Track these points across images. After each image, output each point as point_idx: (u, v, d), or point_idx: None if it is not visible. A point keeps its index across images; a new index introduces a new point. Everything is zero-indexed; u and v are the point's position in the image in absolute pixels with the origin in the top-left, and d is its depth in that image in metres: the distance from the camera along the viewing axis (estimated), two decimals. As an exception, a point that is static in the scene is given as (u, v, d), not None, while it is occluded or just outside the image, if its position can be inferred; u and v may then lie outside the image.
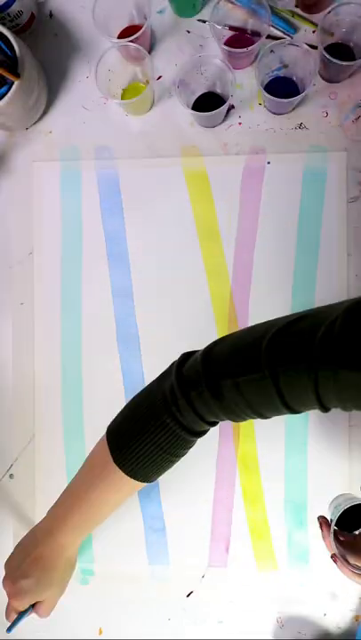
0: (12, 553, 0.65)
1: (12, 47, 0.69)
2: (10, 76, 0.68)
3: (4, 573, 0.64)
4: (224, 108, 0.70)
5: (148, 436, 0.56)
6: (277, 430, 0.75)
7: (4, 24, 0.73)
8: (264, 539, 0.75)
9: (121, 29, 0.76)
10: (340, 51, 0.73)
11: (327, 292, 0.74)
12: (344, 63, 0.68)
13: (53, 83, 0.79)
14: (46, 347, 0.79)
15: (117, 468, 0.58)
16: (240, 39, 0.74)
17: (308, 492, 0.74)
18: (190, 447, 0.60)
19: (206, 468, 0.76)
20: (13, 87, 0.69)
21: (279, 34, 0.75)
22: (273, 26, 0.76)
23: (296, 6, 0.75)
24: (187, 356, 0.58)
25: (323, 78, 0.75)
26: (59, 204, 0.79)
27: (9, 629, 0.64)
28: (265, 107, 0.76)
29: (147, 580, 0.76)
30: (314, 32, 0.75)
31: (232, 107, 0.76)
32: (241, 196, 0.76)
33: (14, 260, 0.80)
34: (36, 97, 0.75)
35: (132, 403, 0.60)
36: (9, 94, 0.69)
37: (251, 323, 0.75)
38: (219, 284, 0.76)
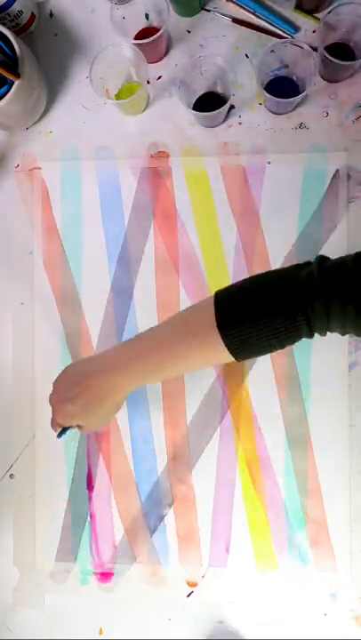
0: (63, 373, 0.63)
1: (12, 47, 0.69)
2: (10, 76, 0.68)
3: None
4: (225, 108, 0.70)
5: (268, 323, 0.52)
6: (277, 430, 0.75)
7: (4, 24, 0.73)
8: (264, 539, 0.75)
9: (137, 31, 0.77)
10: (340, 51, 0.73)
11: (327, 292, 0.74)
12: (344, 63, 0.68)
13: (53, 83, 0.79)
14: (46, 347, 0.79)
15: (218, 336, 0.54)
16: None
17: (308, 492, 0.74)
18: (297, 342, 0.55)
19: (206, 467, 0.76)
20: (13, 87, 0.69)
21: (280, 33, 0.75)
22: (273, 25, 0.76)
23: (297, 6, 0.75)
24: (323, 256, 0.54)
25: (323, 78, 0.75)
26: (59, 204, 0.79)
27: (59, 436, 0.65)
28: (265, 107, 0.76)
29: (147, 580, 0.76)
30: (314, 32, 0.75)
31: (232, 107, 0.76)
32: (241, 195, 0.76)
33: (14, 259, 0.80)
34: (36, 97, 0.75)
35: (255, 283, 0.55)
36: (9, 94, 0.69)
37: (251, 323, 0.75)
38: (219, 283, 0.76)
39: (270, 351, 0.55)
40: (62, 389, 0.62)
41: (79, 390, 0.60)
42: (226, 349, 0.54)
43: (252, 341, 0.53)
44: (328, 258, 0.53)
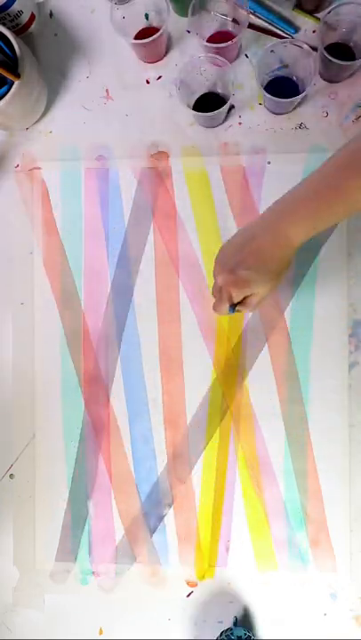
0: (222, 249, 0.60)
1: (12, 47, 0.69)
2: (10, 76, 0.68)
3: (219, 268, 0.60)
4: (225, 108, 0.70)
5: None
6: (277, 430, 0.75)
7: (4, 24, 0.73)
8: (264, 539, 0.75)
9: (137, 31, 0.77)
10: (340, 51, 0.73)
11: (327, 291, 0.74)
12: (344, 63, 0.68)
13: (53, 83, 0.79)
14: (46, 347, 0.79)
15: None
16: (225, 36, 0.74)
17: (308, 492, 0.74)
18: None
19: (206, 467, 0.76)
20: (13, 87, 0.69)
21: (280, 33, 0.75)
22: (273, 25, 0.76)
23: (297, 6, 0.75)
24: None
25: (323, 78, 0.75)
26: (59, 204, 0.79)
27: (232, 311, 0.61)
28: (265, 107, 0.76)
29: (147, 580, 0.76)
30: (314, 32, 0.75)
31: (232, 107, 0.76)
32: (241, 195, 0.76)
33: (14, 259, 0.80)
34: (36, 97, 0.75)
35: None
36: (9, 94, 0.69)
37: (251, 320, 0.76)
38: (219, 283, 0.76)
39: None
40: (230, 257, 0.58)
41: (248, 252, 0.56)
42: None
43: None
44: None
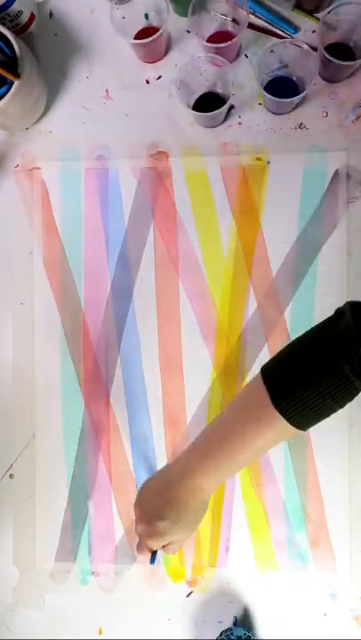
0: (141, 494, 0.63)
1: (12, 47, 0.69)
2: (10, 76, 0.68)
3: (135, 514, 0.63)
4: (224, 108, 0.70)
5: (318, 383, 0.52)
6: (277, 430, 0.75)
7: (4, 24, 0.73)
8: (264, 539, 0.75)
9: (137, 31, 0.77)
10: (340, 51, 0.73)
11: (327, 291, 0.74)
12: (344, 63, 0.68)
13: (53, 83, 0.79)
14: (46, 347, 0.79)
15: (276, 413, 0.54)
16: (224, 36, 0.75)
17: (307, 492, 0.74)
18: (355, 397, 0.55)
19: (206, 468, 0.76)
20: (13, 87, 0.69)
21: (280, 33, 0.75)
22: (273, 25, 0.76)
23: (296, 6, 0.75)
24: (355, 303, 0.54)
25: (323, 78, 0.75)
26: (59, 204, 0.79)
27: (152, 562, 0.64)
28: (265, 107, 0.76)
29: (147, 580, 0.76)
30: (314, 32, 0.75)
31: (232, 107, 0.76)
32: (241, 195, 0.76)
33: (14, 260, 0.80)
34: (36, 97, 0.75)
35: (296, 348, 0.56)
36: (9, 94, 0.69)
37: (251, 320, 0.76)
38: (219, 283, 0.76)
39: (331, 412, 0.55)
40: (146, 510, 0.61)
41: (164, 503, 0.59)
42: (288, 424, 0.54)
43: (308, 407, 0.53)
44: (358, 303, 0.54)
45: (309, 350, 0.54)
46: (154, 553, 0.64)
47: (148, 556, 0.64)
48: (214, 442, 0.59)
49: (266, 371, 0.56)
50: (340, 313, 0.55)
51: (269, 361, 0.57)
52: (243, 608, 0.75)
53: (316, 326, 0.56)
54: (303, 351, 0.55)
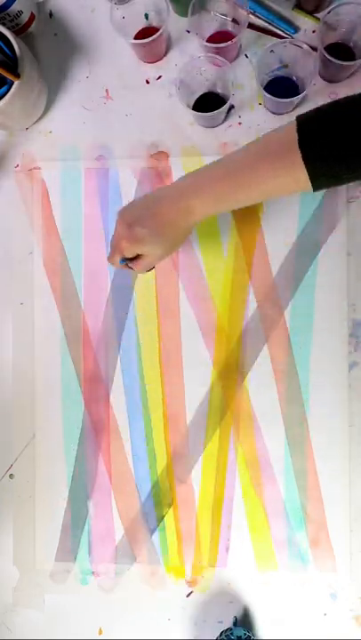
0: (130, 203, 0.61)
1: (12, 47, 0.69)
2: (10, 76, 0.68)
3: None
4: (224, 108, 0.70)
5: (353, 142, 0.51)
6: (277, 430, 0.75)
7: (4, 24, 0.73)
8: (264, 539, 0.75)
9: (137, 31, 0.77)
10: (340, 51, 0.73)
11: (327, 291, 0.74)
12: (344, 63, 0.68)
13: (53, 83, 0.79)
14: (46, 347, 0.79)
15: (299, 158, 0.52)
16: (224, 36, 0.75)
17: (307, 492, 0.74)
18: None
19: (206, 467, 0.76)
20: (13, 87, 0.69)
21: (280, 33, 0.75)
22: (273, 25, 0.76)
23: (296, 6, 0.75)
24: None
25: (323, 78, 0.75)
26: (59, 204, 0.79)
27: (122, 262, 0.63)
28: (265, 107, 0.76)
29: (147, 580, 0.76)
30: (314, 32, 0.75)
31: (232, 107, 0.76)
32: (241, 195, 0.76)
33: (14, 259, 0.80)
34: (36, 97, 0.75)
35: (342, 103, 0.53)
36: (9, 94, 0.69)
37: (251, 320, 0.76)
38: (219, 283, 0.76)
39: (350, 181, 0.53)
40: (131, 213, 0.59)
41: (149, 214, 0.58)
42: (305, 173, 0.52)
43: (335, 170, 0.52)
44: None
45: (353, 111, 0.52)
46: (125, 259, 0.63)
47: (118, 259, 0.63)
48: (224, 167, 0.57)
49: (301, 117, 0.54)
50: None
51: (308, 111, 0.55)
52: (243, 608, 0.75)
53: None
54: (347, 110, 0.52)
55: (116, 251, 0.62)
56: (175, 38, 0.78)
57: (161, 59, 0.78)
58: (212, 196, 0.57)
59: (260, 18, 0.76)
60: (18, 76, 0.69)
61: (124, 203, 0.77)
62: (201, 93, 0.76)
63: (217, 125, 0.77)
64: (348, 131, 0.52)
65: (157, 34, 0.70)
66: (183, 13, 0.76)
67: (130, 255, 0.61)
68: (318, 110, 0.54)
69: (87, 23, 0.79)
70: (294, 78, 0.74)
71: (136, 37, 0.76)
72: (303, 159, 0.52)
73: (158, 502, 0.76)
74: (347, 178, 0.54)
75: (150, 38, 0.70)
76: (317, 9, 0.75)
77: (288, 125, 0.54)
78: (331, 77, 0.75)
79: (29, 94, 0.73)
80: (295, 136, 0.53)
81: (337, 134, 0.52)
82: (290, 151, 0.53)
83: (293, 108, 0.75)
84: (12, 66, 0.70)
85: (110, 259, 0.63)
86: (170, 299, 0.77)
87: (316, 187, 0.54)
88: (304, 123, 0.54)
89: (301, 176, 0.53)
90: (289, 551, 0.74)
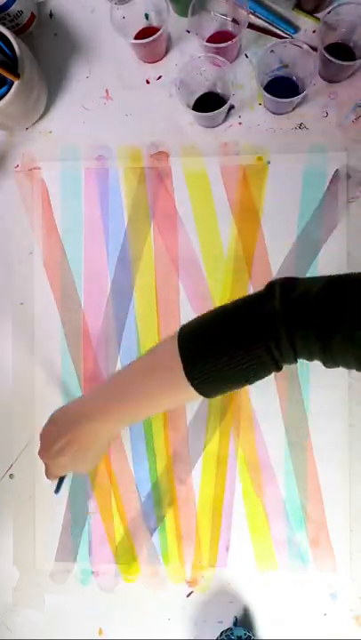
0: (47, 426, 0.65)
1: (12, 47, 0.69)
2: (10, 76, 0.68)
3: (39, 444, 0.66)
4: (224, 108, 0.70)
5: (231, 360, 0.52)
6: (277, 430, 0.75)
7: (4, 24, 0.73)
8: (264, 539, 0.75)
9: (137, 31, 0.77)
10: (340, 51, 0.73)
11: (327, 292, 0.74)
12: (344, 63, 0.68)
13: (53, 83, 0.79)
14: (46, 347, 0.79)
15: (184, 379, 0.54)
16: (224, 36, 0.75)
17: (307, 492, 0.74)
18: (266, 377, 0.55)
19: (206, 467, 0.76)
20: (13, 87, 0.69)
21: (280, 33, 0.75)
22: (273, 25, 0.76)
23: (296, 6, 0.75)
24: (288, 282, 0.52)
25: (323, 78, 0.75)
26: (59, 204, 0.79)
27: (57, 491, 0.70)
28: (265, 107, 0.76)
29: (147, 580, 0.76)
30: (314, 32, 0.75)
31: (232, 107, 0.76)
32: (241, 195, 0.76)
33: (14, 259, 0.80)
34: (36, 97, 0.75)
35: (217, 317, 0.55)
36: (9, 94, 0.69)
37: (251, 323, 0.76)
38: (219, 283, 0.76)
39: (237, 387, 0.55)
40: (49, 444, 0.63)
41: (65, 443, 0.61)
42: (191, 387, 0.54)
43: (216, 376, 0.53)
44: (293, 284, 0.52)
45: (230, 324, 0.53)
46: (60, 482, 0.70)
47: (55, 482, 0.70)
48: (120, 390, 0.60)
49: (182, 333, 0.56)
50: (270, 288, 0.53)
51: (189, 322, 0.56)
52: (243, 608, 0.75)
53: (243, 298, 0.55)
54: (224, 323, 0.54)
55: (50, 474, 0.67)
56: (175, 38, 0.78)
57: (161, 59, 0.78)
58: (115, 416, 0.60)
59: (260, 18, 0.76)
60: (18, 76, 0.69)
61: (125, 203, 0.78)
62: (201, 93, 0.76)
63: (217, 125, 0.77)
64: (223, 344, 0.52)
65: (157, 34, 0.70)
66: (183, 13, 0.76)
67: (60, 475, 0.68)
68: (196, 325, 0.56)
69: (87, 23, 0.79)
70: (294, 78, 0.74)
71: (136, 37, 0.76)
72: (188, 380, 0.54)
73: (158, 502, 0.76)
74: (236, 387, 0.55)
75: (150, 38, 0.70)
76: (317, 9, 0.75)
77: (170, 341, 0.56)
78: (331, 77, 0.75)
79: (29, 94, 0.73)
80: (177, 357, 0.54)
81: (213, 349, 0.53)
82: (175, 375, 0.54)
83: (293, 108, 0.75)
84: (12, 66, 0.70)
85: (47, 477, 0.67)
86: (170, 299, 0.77)
87: (208, 397, 0.56)
88: (183, 339, 0.55)
89: (188, 390, 0.54)
90: (289, 551, 0.74)
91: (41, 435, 0.65)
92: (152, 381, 0.57)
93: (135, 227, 0.78)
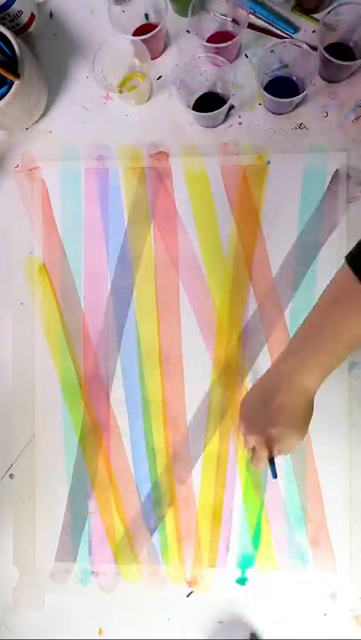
0: (246, 407, 0.63)
1: (12, 47, 0.69)
2: (10, 76, 0.68)
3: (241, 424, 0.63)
4: (225, 108, 0.70)
5: None
6: (277, 430, 0.75)
7: (4, 24, 0.73)
8: (264, 539, 0.75)
9: (135, 27, 0.77)
10: (340, 51, 0.73)
11: (327, 291, 0.74)
12: (344, 63, 0.68)
13: (53, 83, 0.79)
14: (46, 347, 0.79)
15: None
16: (224, 36, 0.75)
17: (307, 492, 0.74)
18: None
19: (206, 467, 0.76)
20: (13, 87, 0.69)
21: (280, 33, 0.76)
22: (273, 25, 0.76)
23: (296, 6, 0.75)
24: None
25: (323, 78, 0.75)
26: (59, 204, 0.79)
27: (275, 476, 0.64)
28: (265, 107, 0.76)
29: (147, 580, 0.76)
30: (314, 32, 0.75)
31: (232, 107, 0.76)
32: (241, 196, 0.76)
33: (14, 259, 0.80)
34: (36, 97, 0.75)
35: None
36: (9, 94, 0.69)
37: (251, 320, 0.76)
38: (219, 283, 0.76)
39: None
40: (256, 421, 0.61)
41: (273, 409, 0.59)
42: None
43: None
44: None
45: None
46: (272, 464, 0.63)
47: (267, 467, 0.63)
48: (310, 338, 0.58)
49: (349, 257, 0.55)
50: None
51: (352, 250, 0.56)
52: (243, 608, 0.75)
53: None
54: None
55: (261, 457, 0.62)
56: (175, 38, 0.78)
57: (159, 55, 0.78)
58: (315, 366, 0.58)
59: (260, 18, 0.76)
60: (18, 76, 0.69)
61: (125, 203, 0.78)
62: (201, 93, 0.76)
63: (217, 125, 0.77)
64: None
65: (156, 29, 0.70)
66: (183, 13, 0.76)
67: (274, 454, 0.62)
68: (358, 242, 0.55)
69: (87, 23, 0.79)
70: (294, 78, 0.74)
71: (135, 34, 0.76)
72: None
73: (158, 502, 0.76)
74: None
75: (150, 34, 0.70)
76: (317, 9, 0.75)
77: (338, 273, 0.56)
78: (331, 77, 0.75)
79: (29, 94, 0.73)
80: (353, 276, 0.53)
81: None
82: (356, 292, 0.54)
83: (293, 108, 0.75)
84: (12, 66, 0.70)
85: (256, 465, 0.64)
86: (170, 299, 0.77)
87: None
88: (353, 260, 0.54)
89: None
90: (289, 551, 0.74)
91: (241, 418, 0.63)
92: (338, 312, 0.56)
93: (135, 227, 0.78)
